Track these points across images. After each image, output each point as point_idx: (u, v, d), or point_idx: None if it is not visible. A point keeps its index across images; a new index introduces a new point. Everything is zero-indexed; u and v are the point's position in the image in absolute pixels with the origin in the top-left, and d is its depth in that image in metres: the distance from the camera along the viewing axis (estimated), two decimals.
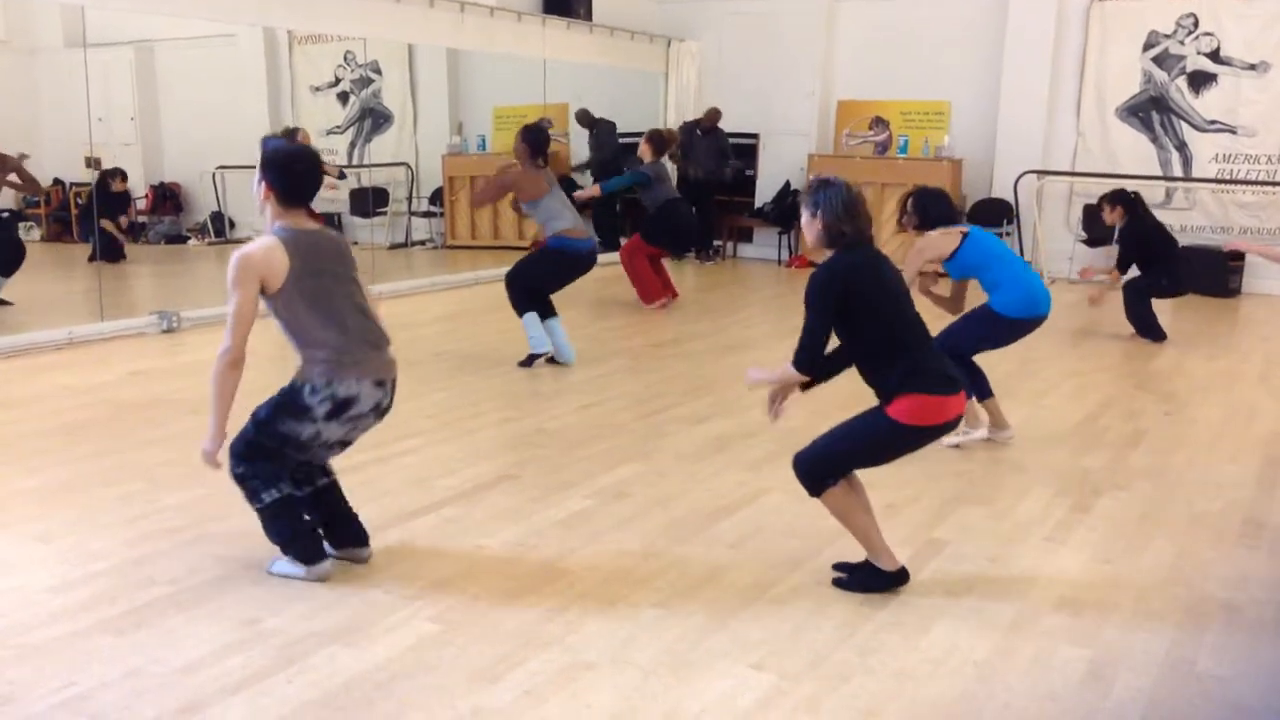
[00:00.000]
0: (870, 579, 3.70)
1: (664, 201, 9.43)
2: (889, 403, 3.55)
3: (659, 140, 9.57)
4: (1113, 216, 8.25)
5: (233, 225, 14.29)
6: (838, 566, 3.81)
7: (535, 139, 7.11)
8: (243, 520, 4.24)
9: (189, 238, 14.31)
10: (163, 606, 3.48)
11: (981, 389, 5.46)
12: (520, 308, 7.07)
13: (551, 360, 7.09)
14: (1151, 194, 11.20)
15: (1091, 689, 3.07)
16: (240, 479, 3.70)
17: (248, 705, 2.90)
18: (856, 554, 3.85)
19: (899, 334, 3.59)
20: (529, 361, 7.04)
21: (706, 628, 3.40)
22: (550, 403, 6.25)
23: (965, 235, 5.32)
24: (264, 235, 3.63)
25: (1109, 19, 11.32)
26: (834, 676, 3.11)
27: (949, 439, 5.40)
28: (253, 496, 3.69)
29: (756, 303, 10.16)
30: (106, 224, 11.68)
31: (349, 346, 3.60)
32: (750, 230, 13.47)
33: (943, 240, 5.35)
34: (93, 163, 11.93)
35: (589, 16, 12.17)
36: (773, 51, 12.95)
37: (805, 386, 3.77)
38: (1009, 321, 5.36)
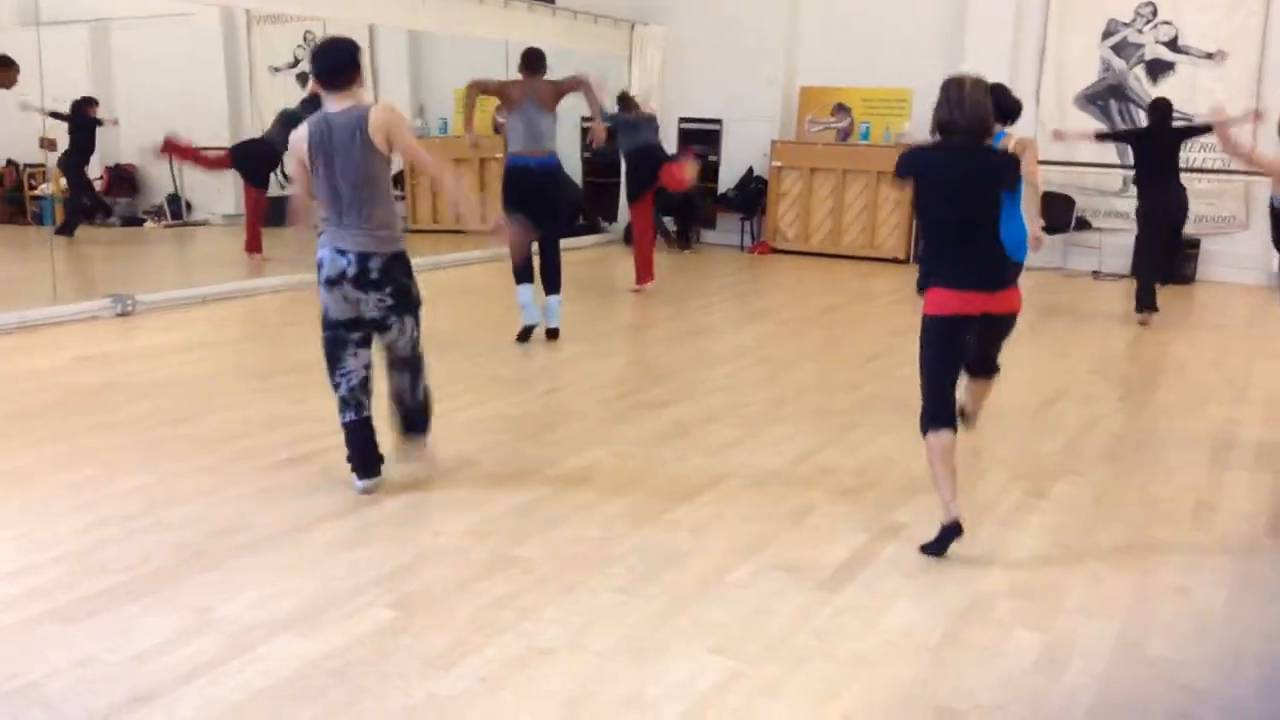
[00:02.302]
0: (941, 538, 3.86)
1: (643, 144, 9.84)
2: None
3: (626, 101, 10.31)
4: None
5: (190, 208, 14.08)
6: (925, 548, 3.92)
7: (524, 55, 7.50)
8: (196, 507, 4.20)
9: (146, 220, 14.11)
10: (115, 594, 3.43)
11: None
12: (516, 272, 7.28)
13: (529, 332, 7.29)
14: (1109, 182, 11.35)
15: (1044, 672, 3.10)
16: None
17: (200, 694, 2.87)
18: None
19: (944, 230, 3.83)
20: (524, 336, 7.30)
21: (666, 613, 3.40)
22: (511, 388, 6.22)
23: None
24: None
25: (1069, 7, 11.39)
26: (792, 660, 3.12)
27: None
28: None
29: (718, 289, 10.14)
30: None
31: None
32: (713, 216, 13.46)
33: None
34: (47, 144, 11.69)
35: None
36: (736, 37, 12.93)
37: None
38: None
